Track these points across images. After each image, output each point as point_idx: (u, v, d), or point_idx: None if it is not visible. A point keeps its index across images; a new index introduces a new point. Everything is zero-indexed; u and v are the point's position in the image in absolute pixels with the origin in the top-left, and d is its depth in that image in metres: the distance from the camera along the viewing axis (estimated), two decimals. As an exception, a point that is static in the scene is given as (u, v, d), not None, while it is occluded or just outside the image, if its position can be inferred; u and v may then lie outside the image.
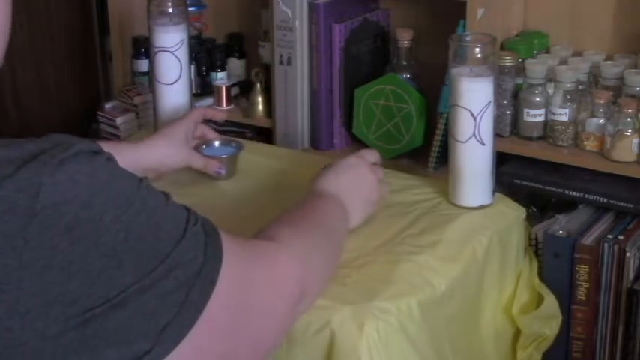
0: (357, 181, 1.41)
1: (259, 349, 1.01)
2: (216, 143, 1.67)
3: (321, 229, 1.25)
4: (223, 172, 1.63)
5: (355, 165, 1.43)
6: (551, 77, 1.70)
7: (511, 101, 1.72)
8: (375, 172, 1.45)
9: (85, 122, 2.23)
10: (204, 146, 1.65)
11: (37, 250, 0.78)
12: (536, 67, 1.69)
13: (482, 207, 1.53)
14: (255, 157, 1.71)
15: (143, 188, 0.86)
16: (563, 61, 1.74)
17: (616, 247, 1.57)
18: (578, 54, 1.78)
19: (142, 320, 0.84)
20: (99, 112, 2.15)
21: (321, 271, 1.18)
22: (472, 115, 1.48)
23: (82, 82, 2.40)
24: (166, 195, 0.90)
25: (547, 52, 1.81)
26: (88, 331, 0.81)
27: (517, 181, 1.69)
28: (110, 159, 0.85)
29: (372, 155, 1.50)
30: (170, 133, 1.58)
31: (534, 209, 1.71)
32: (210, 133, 1.67)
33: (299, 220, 1.22)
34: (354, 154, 1.49)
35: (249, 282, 0.98)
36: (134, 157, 1.48)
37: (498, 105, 1.62)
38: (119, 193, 0.83)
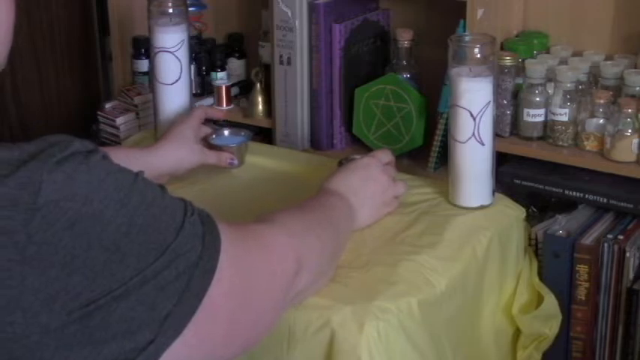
0: (367, 181, 1.43)
1: (260, 327, 1.03)
2: (226, 132, 1.68)
3: (322, 220, 1.26)
4: (236, 162, 1.64)
5: (367, 165, 1.45)
6: (551, 77, 1.70)
7: (511, 101, 1.72)
8: (387, 173, 1.46)
9: (85, 122, 2.23)
10: (213, 135, 1.65)
11: (40, 246, 0.79)
12: (536, 67, 1.69)
13: (482, 207, 1.53)
14: (255, 157, 1.71)
15: (140, 182, 0.88)
16: (563, 61, 1.74)
17: (616, 247, 1.57)
18: (578, 54, 1.78)
19: (144, 311, 0.85)
20: (99, 112, 2.15)
21: (318, 251, 1.18)
22: (472, 115, 1.48)
23: (82, 82, 2.40)
24: (162, 187, 0.92)
25: (547, 52, 1.81)
26: (90, 324, 0.82)
27: (517, 181, 1.69)
28: (105, 157, 0.86)
29: (385, 155, 1.51)
30: (180, 136, 1.59)
31: (534, 209, 1.71)
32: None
33: (299, 210, 1.24)
34: (367, 154, 1.49)
35: (247, 266, 0.99)
36: (149, 162, 1.49)
37: (498, 105, 1.63)
38: (117, 188, 0.85)
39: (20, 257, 0.78)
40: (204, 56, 2.13)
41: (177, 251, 0.87)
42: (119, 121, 2.11)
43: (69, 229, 0.80)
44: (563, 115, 1.66)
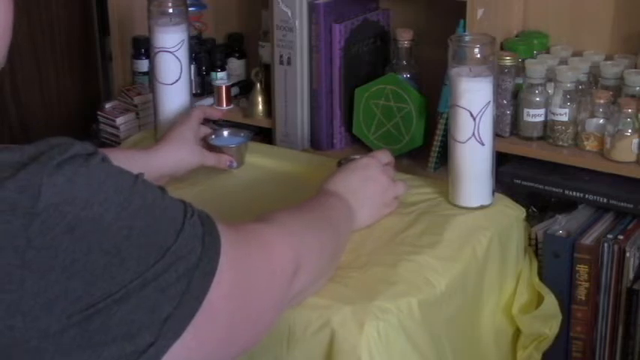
0: (366, 181, 1.43)
1: (259, 327, 1.03)
2: (225, 133, 1.68)
3: (321, 220, 1.26)
4: (235, 164, 1.64)
5: (366, 166, 1.45)
6: (551, 77, 1.70)
7: (511, 101, 1.72)
8: (387, 173, 1.46)
9: (85, 122, 2.23)
10: (213, 136, 1.65)
11: (40, 250, 0.79)
12: (536, 67, 1.69)
13: (482, 207, 1.53)
14: (255, 157, 1.71)
15: (140, 184, 0.88)
16: (563, 61, 1.74)
17: (616, 247, 1.57)
18: (578, 54, 1.78)
19: (144, 313, 0.84)
20: (99, 112, 2.15)
21: (317, 250, 1.18)
22: (472, 115, 1.48)
23: (82, 82, 2.40)
24: (162, 189, 0.91)
25: (547, 52, 1.81)
26: (90, 327, 0.81)
27: (517, 181, 1.69)
28: (104, 159, 0.86)
29: (384, 155, 1.51)
30: (180, 137, 1.58)
31: (534, 209, 1.71)
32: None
33: (298, 210, 1.24)
34: (366, 154, 1.49)
35: (247, 267, 0.99)
36: (149, 164, 1.49)
37: (498, 105, 1.63)
38: (117, 190, 0.84)
39: (20, 261, 0.78)
40: (204, 56, 2.13)
41: (178, 253, 0.87)
42: (119, 121, 2.11)
43: (69, 233, 0.80)
44: (563, 115, 1.66)
